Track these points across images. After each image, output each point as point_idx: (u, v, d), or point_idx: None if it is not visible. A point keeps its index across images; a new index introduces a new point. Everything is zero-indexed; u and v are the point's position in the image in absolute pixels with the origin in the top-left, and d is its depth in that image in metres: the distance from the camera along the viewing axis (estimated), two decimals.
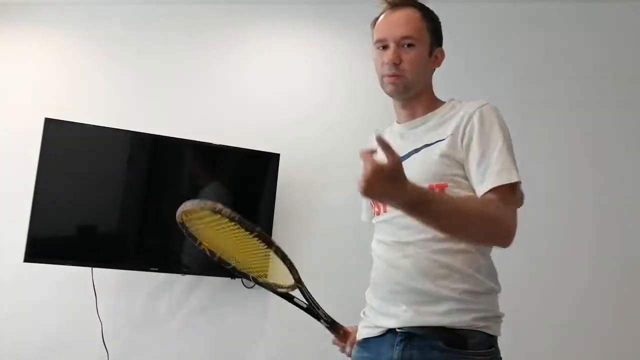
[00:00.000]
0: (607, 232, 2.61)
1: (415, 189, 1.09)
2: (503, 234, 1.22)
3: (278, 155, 2.69)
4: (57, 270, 2.67)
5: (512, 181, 1.26)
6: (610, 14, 2.78)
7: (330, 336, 1.53)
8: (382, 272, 1.37)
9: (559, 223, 2.60)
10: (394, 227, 1.35)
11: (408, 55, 1.37)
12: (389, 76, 1.37)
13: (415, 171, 1.25)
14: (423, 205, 1.10)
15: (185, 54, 3.05)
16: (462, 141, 1.31)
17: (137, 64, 3.05)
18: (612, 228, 2.61)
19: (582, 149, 2.69)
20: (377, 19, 1.44)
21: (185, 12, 3.09)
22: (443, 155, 1.31)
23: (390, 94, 1.43)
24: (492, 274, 1.35)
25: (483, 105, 1.34)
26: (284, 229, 2.75)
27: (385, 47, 1.39)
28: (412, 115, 1.44)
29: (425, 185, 1.23)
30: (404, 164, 1.33)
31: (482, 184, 1.27)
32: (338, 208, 2.72)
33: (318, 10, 3.00)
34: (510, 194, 1.27)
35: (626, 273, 2.56)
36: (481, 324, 1.27)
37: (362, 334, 1.39)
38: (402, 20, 1.38)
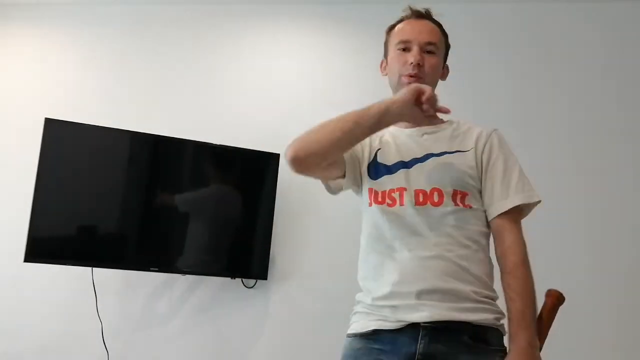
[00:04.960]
0: (607, 232, 2.60)
1: (531, 336, 1.27)
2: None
3: (278, 155, 2.69)
4: (57, 270, 2.67)
5: (534, 200, 1.39)
6: (611, 14, 2.78)
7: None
8: (406, 269, 1.35)
9: (557, 224, 2.59)
10: (413, 225, 1.37)
11: (429, 61, 1.45)
12: (411, 76, 1.43)
13: (438, 174, 1.37)
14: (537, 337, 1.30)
15: (186, 53, 3.05)
16: (481, 156, 1.41)
17: (137, 64, 3.06)
18: (612, 229, 2.60)
19: (582, 149, 2.69)
20: (394, 25, 1.52)
21: (185, 12, 3.09)
22: (469, 167, 1.40)
23: None
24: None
25: (496, 130, 1.46)
26: (284, 229, 2.75)
27: (407, 49, 1.46)
28: None
29: (449, 189, 1.35)
30: (420, 165, 1.41)
31: (507, 200, 1.37)
32: (338, 208, 2.72)
33: (318, 11, 2.99)
34: (522, 214, 1.40)
35: (626, 275, 2.56)
36: (498, 322, 1.35)
37: (369, 325, 1.37)
38: (428, 28, 1.48)
